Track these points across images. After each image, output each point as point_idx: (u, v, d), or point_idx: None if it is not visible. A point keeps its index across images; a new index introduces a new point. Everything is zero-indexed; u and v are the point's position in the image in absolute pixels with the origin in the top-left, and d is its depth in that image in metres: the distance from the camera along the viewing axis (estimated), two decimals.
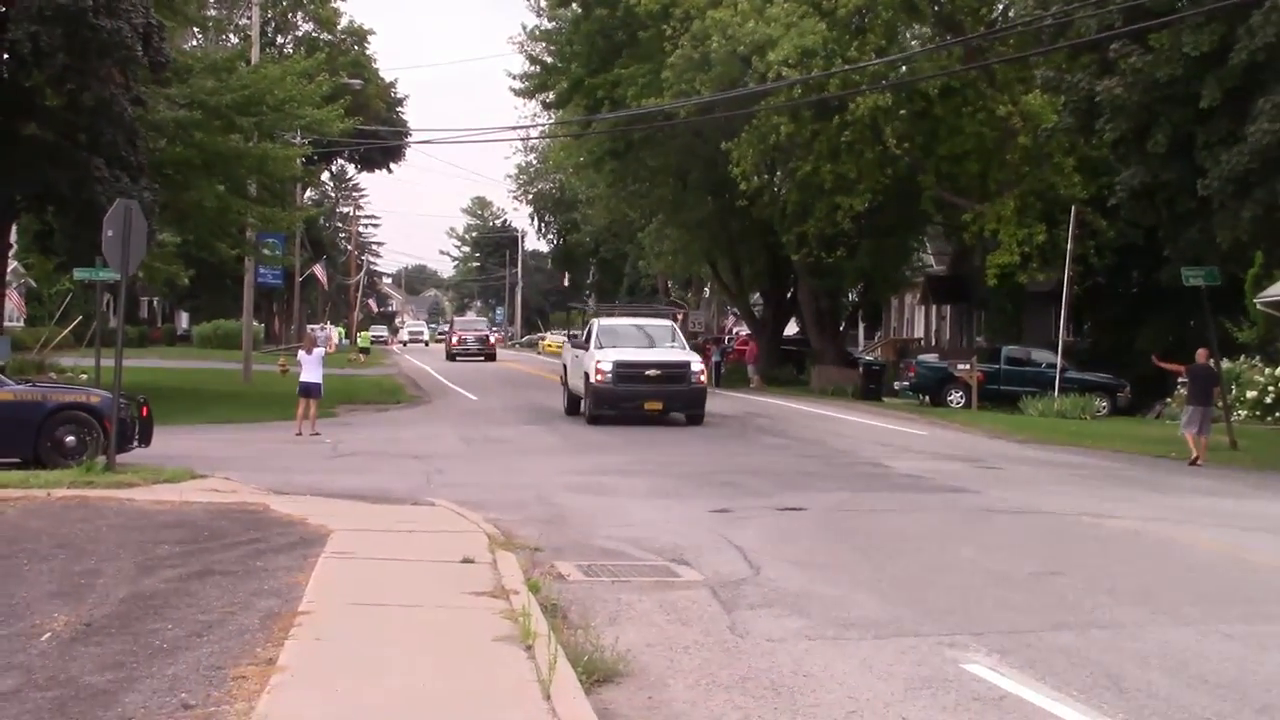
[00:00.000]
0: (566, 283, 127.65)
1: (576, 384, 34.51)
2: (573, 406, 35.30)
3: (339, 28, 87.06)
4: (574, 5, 55.57)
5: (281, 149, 39.94)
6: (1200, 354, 29.05)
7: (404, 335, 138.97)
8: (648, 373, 32.27)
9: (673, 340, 34.97)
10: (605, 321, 36.12)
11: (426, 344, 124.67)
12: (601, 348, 33.07)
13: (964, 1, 42.81)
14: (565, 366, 37.58)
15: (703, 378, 33.41)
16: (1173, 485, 23.41)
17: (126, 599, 10.98)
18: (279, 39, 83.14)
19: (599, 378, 32.04)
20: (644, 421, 32.22)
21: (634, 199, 64.23)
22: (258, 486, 18.73)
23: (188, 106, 35.63)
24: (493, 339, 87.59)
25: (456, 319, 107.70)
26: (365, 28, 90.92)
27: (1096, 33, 29.83)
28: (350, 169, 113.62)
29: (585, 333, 35.31)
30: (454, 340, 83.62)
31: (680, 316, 49.22)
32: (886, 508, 18.56)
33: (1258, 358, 41.09)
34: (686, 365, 32.94)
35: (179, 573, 12.07)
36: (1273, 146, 25.33)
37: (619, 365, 32.19)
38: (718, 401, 43.11)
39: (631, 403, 32.14)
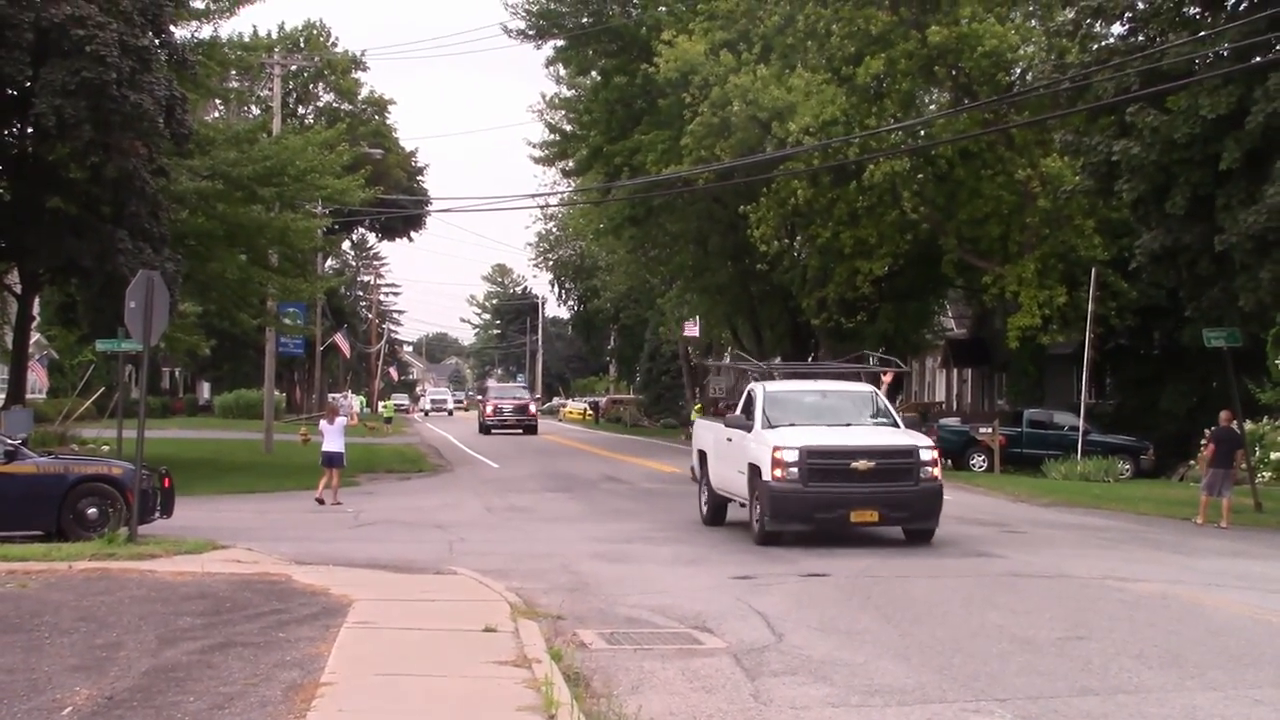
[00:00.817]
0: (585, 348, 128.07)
1: (729, 480, 23.91)
2: (717, 513, 25.03)
3: (359, 98, 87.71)
4: (593, 74, 56.07)
5: (303, 219, 40.17)
6: (1224, 416, 28.96)
7: (425, 404, 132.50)
8: (855, 464, 21.15)
9: (876, 412, 24.00)
10: (773, 388, 24.48)
11: (450, 413, 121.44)
12: (773, 426, 22.36)
13: (980, 68, 42.93)
14: (702, 454, 25.90)
15: (937, 471, 22.02)
16: (1198, 548, 23.24)
17: (148, 672, 10.96)
18: (300, 109, 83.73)
19: (778, 474, 21.02)
20: (847, 541, 22.09)
21: (654, 265, 64.51)
22: (279, 557, 18.70)
23: (210, 178, 35.89)
24: (533, 408, 77.68)
25: (491, 385, 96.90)
26: (386, 98, 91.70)
27: (1114, 95, 29.87)
28: (371, 238, 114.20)
29: (743, 403, 24.20)
30: (488, 410, 75.08)
31: (887, 377, 32.43)
32: (911, 573, 18.45)
33: None
34: (912, 453, 21.62)
35: (201, 645, 12.05)
36: None
37: (811, 454, 21.20)
38: None
39: (831, 511, 21.15)
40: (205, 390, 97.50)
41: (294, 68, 72.80)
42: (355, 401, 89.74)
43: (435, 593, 15.58)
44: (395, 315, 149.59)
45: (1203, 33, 29.02)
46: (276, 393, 60.89)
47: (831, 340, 54.27)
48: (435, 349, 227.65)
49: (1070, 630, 13.88)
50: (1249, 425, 36.80)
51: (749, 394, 24.26)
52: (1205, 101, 26.94)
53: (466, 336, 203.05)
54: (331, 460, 29.08)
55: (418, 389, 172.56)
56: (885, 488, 21.40)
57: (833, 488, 21.25)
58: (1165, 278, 32.69)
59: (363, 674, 10.87)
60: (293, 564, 17.87)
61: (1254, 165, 26.71)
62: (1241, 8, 28.89)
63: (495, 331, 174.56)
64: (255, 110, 68.39)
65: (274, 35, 77.86)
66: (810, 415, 23.25)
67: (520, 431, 70.87)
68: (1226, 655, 12.73)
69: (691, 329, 68.18)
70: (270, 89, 54.34)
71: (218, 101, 51.35)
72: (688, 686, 11.23)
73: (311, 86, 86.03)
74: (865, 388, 25.66)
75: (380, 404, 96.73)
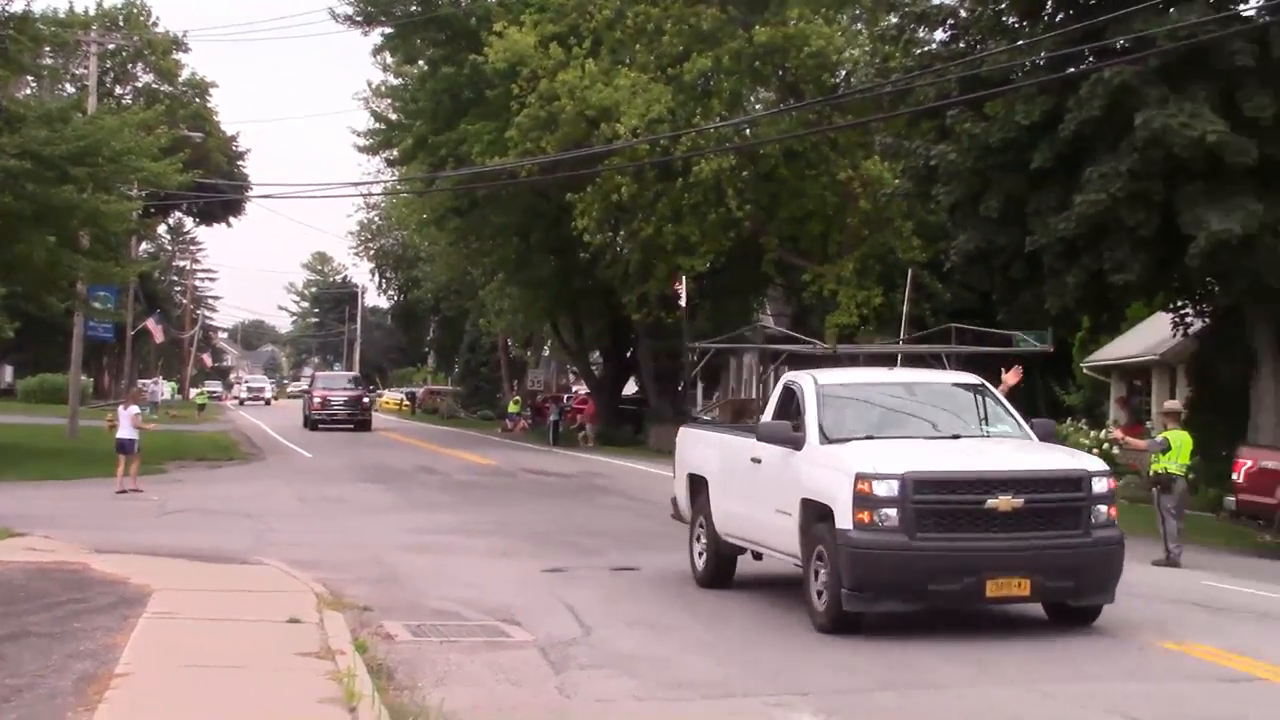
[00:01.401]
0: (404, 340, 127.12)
1: (754, 524, 16.12)
2: (720, 570, 17.16)
3: (180, 80, 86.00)
4: (421, 63, 55.51)
5: (116, 202, 39.14)
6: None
7: (242, 391, 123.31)
8: (991, 502, 13.69)
9: (987, 418, 15.89)
10: (829, 380, 16.10)
11: (268, 401, 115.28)
12: (839, 439, 14.77)
13: (806, 68, 43.38)
14: (697, 480, 17.81)
15: (1114, 511, 14.45)
16: None
17: None
18: (118, 89, 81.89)
19: (865, 517, 13.51)
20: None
21: (476, 257, 64.12)
22: (79, 545, 18.19)
23: (19, 156, 34.79)
24: (366, 400, 68.25)
25: (318, 375, 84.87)
26: (207, 80, 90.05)
27: (935, 100, 30.39)
28: (189, 222, 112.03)
29: (776, 403, 16.32)
30: (315, 402, 64.61)
31: (1011, 377, 21.08)
32: None
33: (1084, 420, 42.01)
34: (1080, 482, 14.29)
35: None
36: (1099, 214, 25.96)
37: (923, 485, 13.65)
38: (556, 460, 43.12)
39: (955, 579, 13.57)
40: (7, 374, 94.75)
41: (111, 46, 71.11)
42: (166, 388, 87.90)
43: (240, 583, 15.29)
44: (211, 301, 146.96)
45: (1020, 41, 29.65)
46: (84, 378, 59.49)
47: (651, 336, 54.53)
48: (252, 336, 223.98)
49: (877, 626, 14.05)
50: (1055, 427, 37.68)
51: (786, 389, 16.13)
52: (1021, 108, 27.52)
53: (284, 324, 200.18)
54: (121, 447, 28.31)
55: (232, 376, 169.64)
56: (1040, 540, 13.64)
57: (959, 541, 13.52)
58: (978, 280, 33.35)
59: (160, 665, 10.60)
60: (92, 552, 17.40)
61: (1065, 171, 27.36)
62: (1058, 19, 29.55)
63: (314, 320, 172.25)
64: (70, 89, 66.67)
65: (91, 12, 76.05)
66: (890, 424, 15.30)
67: (352, 427, 61.84)
68: (1022, 652, 12.98)
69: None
70: (86, 67, 53.06)
71: (30, 79, 49.80)
72: (493, 679, 11.15)
73: (130, 66, 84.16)
74: (968, 379, 16.95)
75: (193, 391, 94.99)
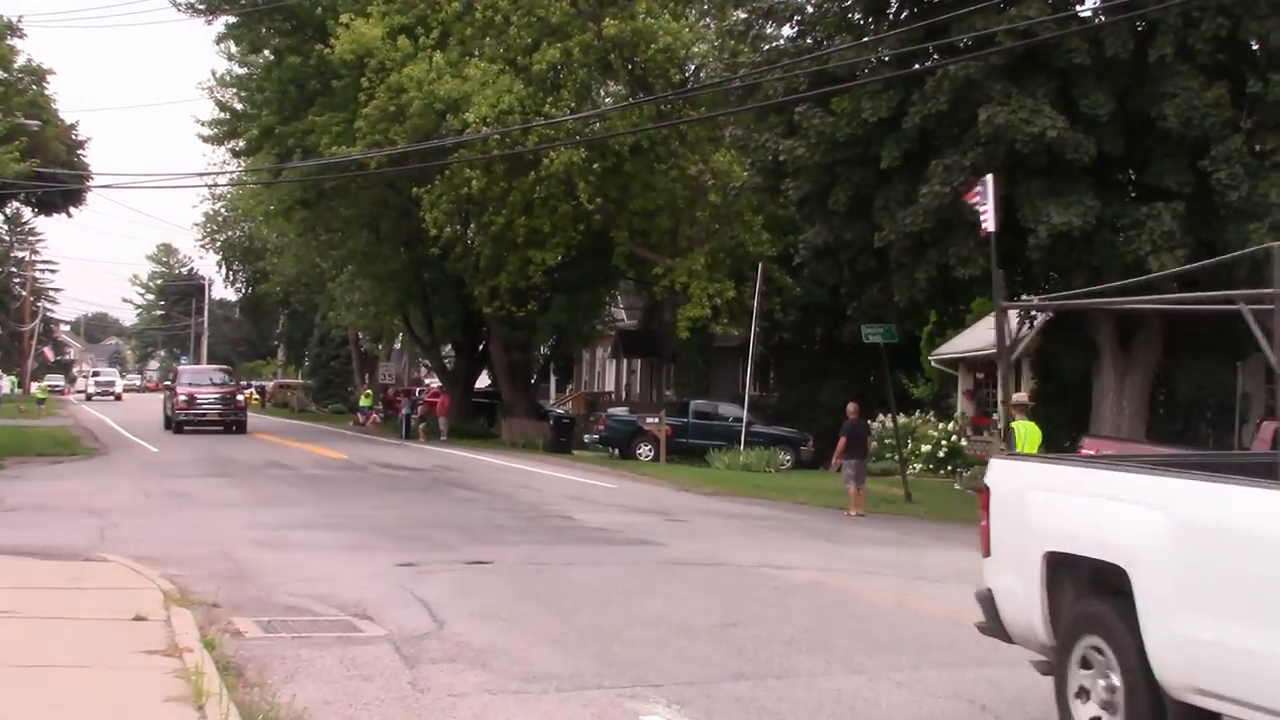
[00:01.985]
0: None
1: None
2: None
3: (15, 66, 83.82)
4: (266, 52, 54.76)
5: None
6: (850, 409, 30.08)
7: (90, 386, 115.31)
8: None
9: None
10: None
11: (118, 396, 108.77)
12: None
13: (655, 63, 43.57)
14: (1099, 569, 8.74)
15: None
16: (851, 537, 24.05)
17: None
18: None
19: None
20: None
21: (325, 249, 63.58)
22: None
23: None
24: (240, 398, 59.29)
25: (183, 369, 70.30)
26: (45, 67, 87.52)
27: (782, 95, 30.68)
28: (27, 212, 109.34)
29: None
30: (180, 399, 55.38)
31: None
32: (574, 561, 18.58)
33: (931, 413, 42.74)
34: None
35: None
36: (944, 208, 26.40)
37: None
38: (408, 454, 42.89)
39: None
40: None
41: None
42: (6, 382, 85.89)
43: (83, 580, 14.98)
44: (52, 293, 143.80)
45: (866, 39, 30.04)
46: None
47: (503, 329, 54.41)
48: (95, 329, 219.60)
49: (726, 617, 14.17)
50: (903, 419, 38.30)
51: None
52: (868, 104, 27.90)
53: (129, 317, 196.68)
54: None
55: (75, 370, 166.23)
56: None
57: None
58: (827, 274, 33.77)
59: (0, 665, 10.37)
60: None
61: (911, 166, 27.78)
62: (903, 16, 29.99)
63: (159, 312, 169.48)
64: None
65: None
66: None
67: (224, 429, 54.36)
68: (872, 640, 13.18)
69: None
70: None
71: None
72: (345, 674, 11.06)
73: None
74: None
75: (34, 385, 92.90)
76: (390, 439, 54.62)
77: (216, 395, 55.79)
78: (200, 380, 57.95)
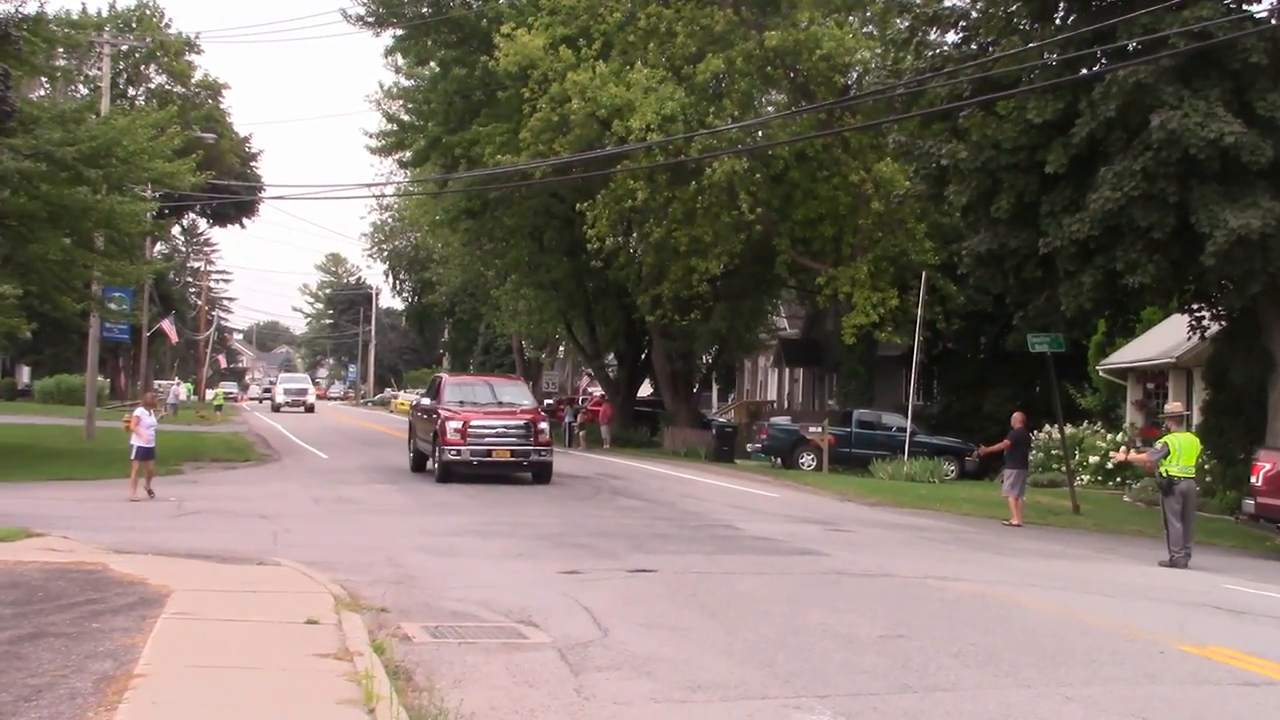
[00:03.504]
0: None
1: None
2: None
3: (193, 81, 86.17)
4: (432, 64, 55.57)
5: (130, 202, 39.23)
6: (1016, 418, 29.74)
7: (279, 395, 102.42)
8: None
9: None
10: None
11: (310, 408, 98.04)
12: None
13: (818, 70, 43.43)
14: None
15: None
16: (1017, 548, 23.71)
17: None
18: (130, 91, 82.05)
19: None
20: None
21: (489, 258, 64.22)
22: (97, 545, 18.21)
23: (33, 157, 34.84)
24: (543, 428, 65.04)
25: (449, 378, 74.79)
26: (220, 81, 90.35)
27: (946, 101, 30.39)
28: (202, 223, 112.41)
29: None
30: (453, 431, 58.95)
31: None
32: (738, 570, 18.53)
33: (1100, 424, 42.01)
34: None
35: (9, 635, 11.66)
36: (1113, 214, 25.94)
37: None
38: (571, 462, 43.10)
39: None
40: (25, 375, 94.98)
41: (125, 48, 71.33)
42: (182, 389, 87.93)
43: (257, 584, 15.28)
44: (225, 302, 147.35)
45: (1032, 43, 29.63)
46: (100, 379, 59.62)
47: (665, 338, 54.55)
48: (266, 337, 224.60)
49: (891, 628, 14.04)
50: (1069, 429, 37.71)
51: None
52: (1033, 105, 27.50)
53: (299, 325, 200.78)
54: (138, 454, 27.19)
55: (247, 377, 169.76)
56: None
57: None
58: (991, 282, 33.35)
59: (179, 665, 10.61)
60: (110, 553, 17.41)
61: (1078, 172, 27.33)
62: (1070, 20, 29.54)
63: (328, 321, 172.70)
64: (83, 90, 66.82)
65: (104, 14, 76.25)
66: None
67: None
68: (1040, 654, 12.96)
69: None
70: (99, 69, 53.17)
71: (43, 79, 49.91)
72: (511, 681, 11.14)
73: (143, 68, 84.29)
74: None
75: (209, 392, 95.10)
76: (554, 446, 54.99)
77: (514, 426, 34.51)
78: (482, 397, 36.42)
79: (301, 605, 13.51)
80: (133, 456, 27.24)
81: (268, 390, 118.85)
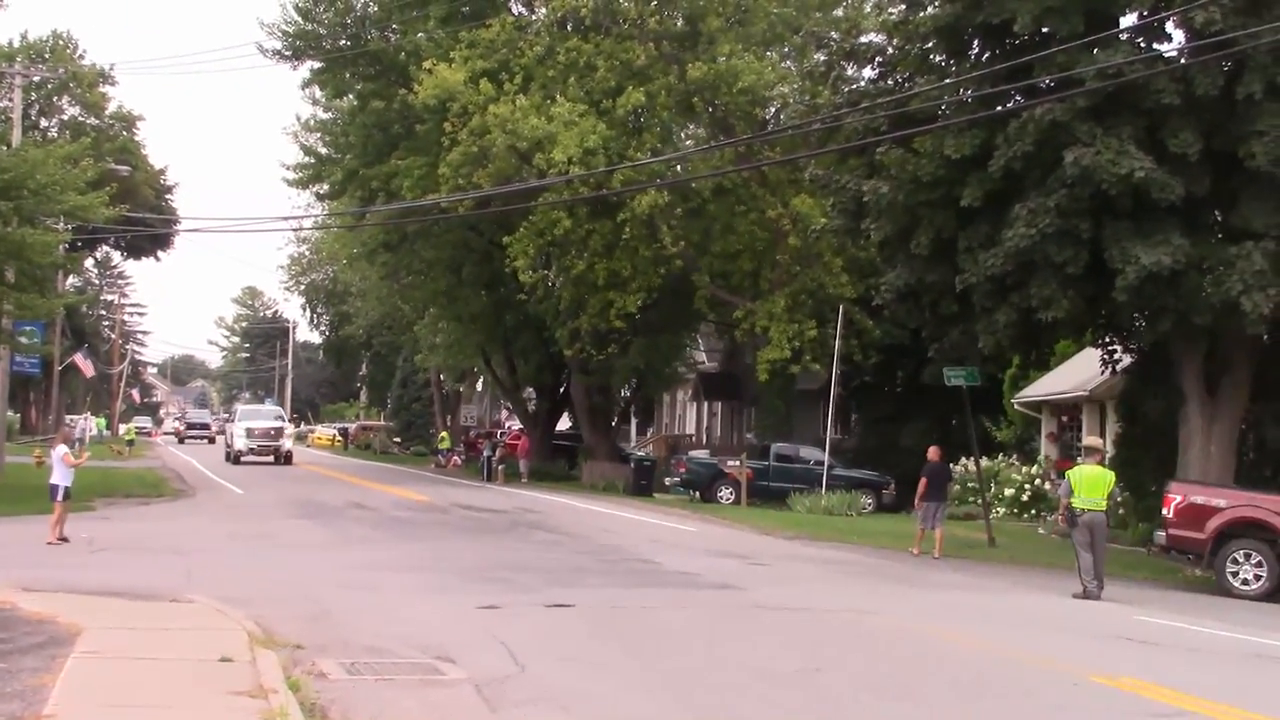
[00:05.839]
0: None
1: None
2: None
3: (107, 112, 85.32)
4: (350, 97, 55.38)
5: (42, 234, 38.70)
6: (932, 452, 30.07)
7: (237, 437, 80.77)
8: None
9: None
10: None
11: (212, 440, 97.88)
12: None
13: (737, 104, 43.68)
14: None
15: None
16: (934, 581, 23.86)
17: None
18: (43, 122, 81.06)
19: None
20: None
21: (408, 292, 64.03)
22: (5, 583, 17.90)
23: None
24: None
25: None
26: (135, 114, 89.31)
27: (863, 136, 30.63)
28: (116, 256, 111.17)
29: None
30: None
31: None
32: (656, 604, 18.52)
33: (1015, 456, 42.39)
34: None
35: None
36: (1028, 250, 26.20)
37: None
38: (490, 496, 42.98)
39: None
40: None
41: (37, 79, 70.54)
42: (94, 424, 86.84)
43: (171, 621, 15.11)
44: (140, 336, 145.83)
45: (948, 80, 29.94)
46: (10, 413, 58.75)
47: (583, 372, 54.52)
48: (181, 371, 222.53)
49: (809, 662, 14.08)
50: (985, 462, 38.03)
51: None
52: (951, 142, 27.74)
53: (214, 359, 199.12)
54: (52, 492, 25.64)
55: (162, 411, 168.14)
56: None
57: None
58: (909, 317, 33.58)
59: (89, 705, 10.47)
60: (20, 590, 17.12)
61: (995, 208, 27.58)
62: (985, 57, 29.87)
63: (244, 355, 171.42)
64: None
65: (16, 44, 75.40)
66: None
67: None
68: (956, 687, 13.05)
69: None
70: (10, 100, 52.57)
71: None
72: (428, 717, 11.07)
73: (56, 99, 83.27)
74: None
75: (121, 426, 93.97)
76: (472, 481, 54.80)
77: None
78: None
79: (215, 642, 13.36)
80: (58, 498, 25.39)
81: (196, 425, 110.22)
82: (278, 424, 65.19)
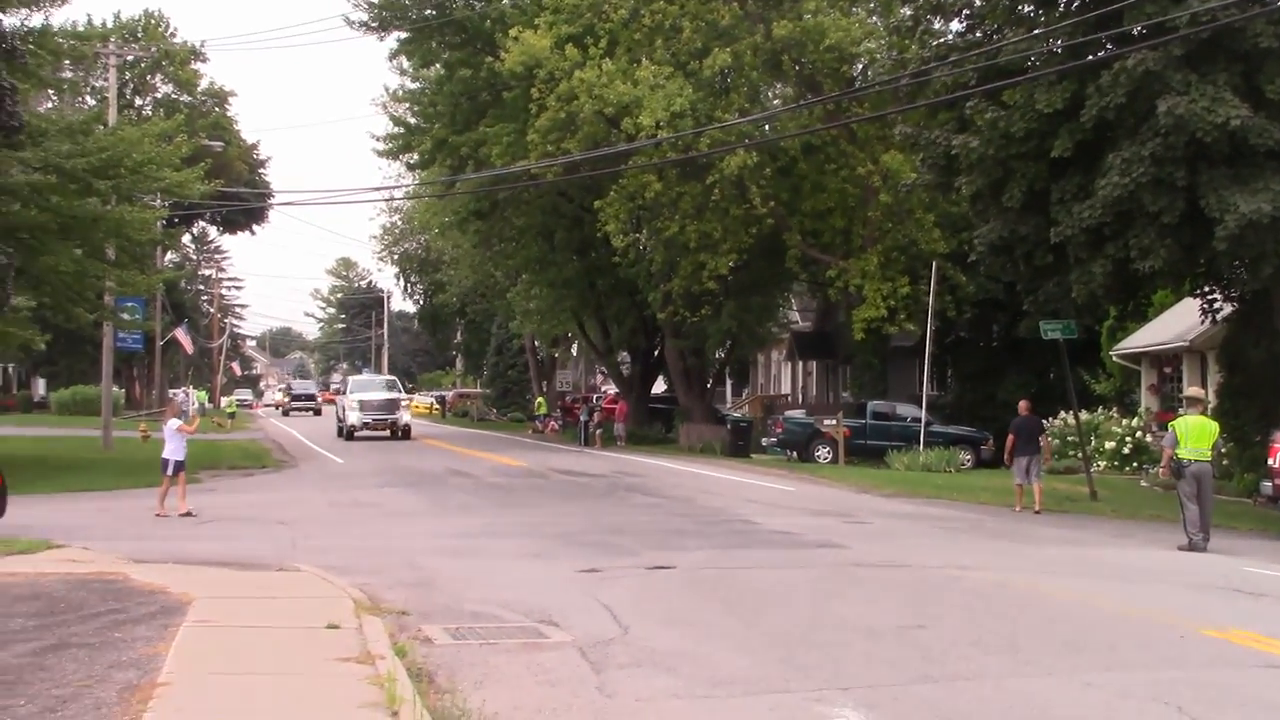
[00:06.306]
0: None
1: None
2: None
3: (199, 89, 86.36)
4: (437, 66, 55.61)
5: (140, 212, 39.29)
6: (1022, 406, 29.82)
7: (350, 411, 64.68)
8: None
9: None
10: None
11: (318, 411, 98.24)
12: None
13: (824, 61, 43.40)
14: None
15: None
16: (1035, 536, 23.70)
17: None
18: (137, 101, 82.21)
19: None
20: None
21: (500, 259, 64.31)
22: (117, 556, 18.25)
23: (42, 170, 34.92)
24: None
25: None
26: (226, 89, 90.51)
27: (952, 91, 30.32)
28: (212, 231, 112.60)
29: None
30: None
31: None
32: (755, 564, 18.54)
33: (1114, 409, 41.93)
34: None
35: (33, 646, 11.70)
36: (1122, 200, 25.84)
37: None
38: (587, 460, 43.15)
39: None
40: (41, 387, 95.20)
41: (130, 58, 71.42)
42: (194, 397, 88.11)
43: (277, 590, 15.33)
44: (238, 309, 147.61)
45: (1037, 30, 29.55)
46: (115, 389, 59.68)
47: (676, 334, 54.55)
48: (279, 343, 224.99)
49: (911, 619, 14.04)
50: (1084, 415, 37.67)
51: None
52: (1041, 96, 27.40)
53: (311, 331, 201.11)
54: (164, 466, 26.01)
55: (261, 384, 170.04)
56: None
57: None
58: (1002, 271, 33.27)
59: (201, 673, 10.64)
60: (131, 562, 17.44)
61: (1086, 158, 27.24)
62: (1074, 6, 29.45)
63: (340, 325, 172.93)
64: (90, 101, 66.90)
65: (109, 24, 76.36)
66: None
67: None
68: (1060, 641, 12.96)
69: None
70: (105, 79, 53.26)
71: (50, 92, 50.01)
72: (533, 680, 11.16)
73: (149, 77, 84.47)
74: None
75: (223, 399, 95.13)
76: (569, 446, 55.05)
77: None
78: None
79: (322, 610, 13.54)
80: (168, 471, 25.89)
81: (301, 397, 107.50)
82: (394, 395, 61.27)
